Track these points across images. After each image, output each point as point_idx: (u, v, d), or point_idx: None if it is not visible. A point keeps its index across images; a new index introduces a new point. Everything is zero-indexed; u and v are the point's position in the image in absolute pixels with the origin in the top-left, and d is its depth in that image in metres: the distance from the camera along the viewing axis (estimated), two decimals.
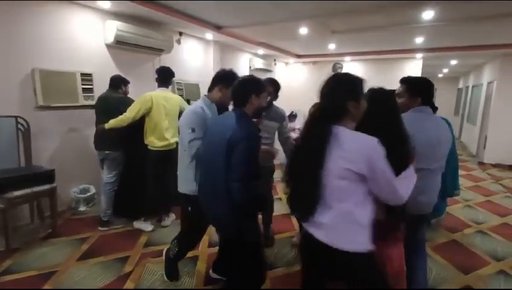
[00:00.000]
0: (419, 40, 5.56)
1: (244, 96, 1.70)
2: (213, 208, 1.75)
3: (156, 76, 3.07)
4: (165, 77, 3.08)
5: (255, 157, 1.65)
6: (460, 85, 12.03)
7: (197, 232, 2.21)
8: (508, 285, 2.42)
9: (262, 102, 1.77)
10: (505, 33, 4.86)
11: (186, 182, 2.05)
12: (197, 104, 2.04)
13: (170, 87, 3.20)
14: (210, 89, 2.08)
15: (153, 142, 2.96)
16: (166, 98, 3.00)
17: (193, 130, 1.92)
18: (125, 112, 2.87)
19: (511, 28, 4.52)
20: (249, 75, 1.82)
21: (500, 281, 2.46)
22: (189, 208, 2.07)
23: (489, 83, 7.26)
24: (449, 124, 2.75)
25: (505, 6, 3.53)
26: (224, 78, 2.01)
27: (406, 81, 1.96)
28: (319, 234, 1.28)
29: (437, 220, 3.33)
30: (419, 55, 7.07)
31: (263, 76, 4.78)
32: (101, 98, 3.12)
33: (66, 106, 3.42)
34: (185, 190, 2.07)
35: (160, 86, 3.06)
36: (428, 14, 3.89)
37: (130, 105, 2.92)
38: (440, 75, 12.27)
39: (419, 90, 1.89)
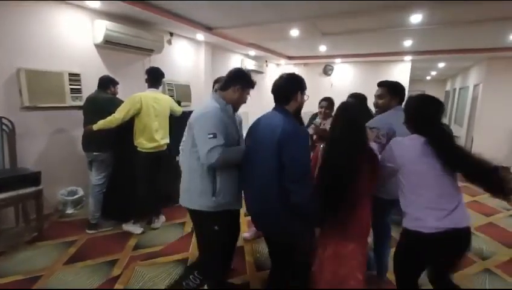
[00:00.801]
0: (407, 43, 5.67)
1: (290, 93, 1.66)
2: (268, 215, 1.63)
3: (146, 77, 3.05)
4: (155, 77, 3.05)
5: (309, 155, 1.64)
6: (448, 87, 12.30)
7: (228, 253, 2.02)
8: (493, 283, 2.48)
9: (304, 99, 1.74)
10: (490, 37, 4.99)
11: (201, 196, 1.76)
12: (212, 105, 1.78)
13: (160, 88, 3.17)
14: (223, 88, 1.83)
15: (143, 143, 2.92)
16: (156, 98, 2.97)
17: (214, 136, 1.64)
18: (113, 112, 2.83)
19: (496, 33, 4.65)
20: (292, 73, 1.74)
21: (485, 280, 2.52)
22: (216, 227, 1.80)
23: (475, 86, 7.44)
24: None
25: (490, 11, 3.63)
26: (244, 79, 1.83)
27: (385, 84, 2.30)
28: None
29: None
30: (408, 58, 7.20)
31: (254, 77, 4.78)
32: (90, 99, 3.07)
33: (53, 106, 3.36)
34: (201, 206, 1.78)
35: (150, 86, 3.03)
36: (416, 18, 3.97)
37: (118, 106, 2.87)
38: (428, 78, 12.52)
39: (398, 91, 2.25)
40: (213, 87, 2.52)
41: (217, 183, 1.74)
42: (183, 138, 2.14)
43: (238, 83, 1.81)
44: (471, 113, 7.57)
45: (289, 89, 1.67)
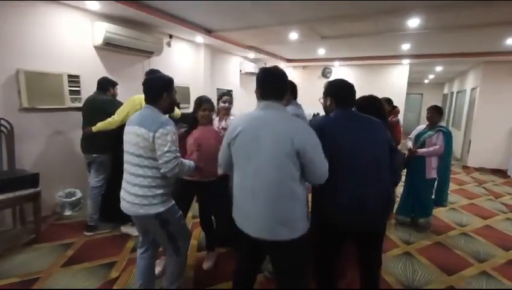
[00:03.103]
0: (405, 46, 5.72)
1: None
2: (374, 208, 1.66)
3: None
4: None
5: None
6: (446, 91, 12.38)
7: None
8: (490, 285, 2.48)
9: None
10: (487, 42, 5.04)
11: (303, 220, 1.50)
12: (305, 113, 2.04)
13: None
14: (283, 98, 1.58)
15: None
16: None
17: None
18: (113, 114, 2.83)
19: (492, 37, 4.70)
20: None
21: (482, 282, 2.53)
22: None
23: (472, 89, 7.50)
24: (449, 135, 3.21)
25: (486, 16, 3.68)
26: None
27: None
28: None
29: (425, 220, 3.44)
30: (406, 61, 7.26)
31: (253, 80, 4.79)
32: (89, 100, 3.07)
33: (51, 108, 3.35)
34: (303, 231, 1.51)
35: None
36: (413, 22, 4.00)
37: (118, 107, 2.87)
38: (426, 81, 12.61)
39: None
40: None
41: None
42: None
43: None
44: (468, 116, 7.62)
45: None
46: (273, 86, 1.55)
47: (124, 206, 1.78)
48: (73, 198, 3.54)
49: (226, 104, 2.61)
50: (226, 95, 2.64)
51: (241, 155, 1.49)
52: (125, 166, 1.78)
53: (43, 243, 2.86)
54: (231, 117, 2.60)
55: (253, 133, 1.44)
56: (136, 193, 1.70)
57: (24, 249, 2.75)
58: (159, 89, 1.79)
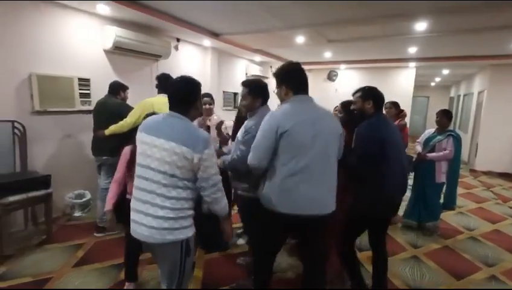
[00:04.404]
0: (412, 49, 5.71)
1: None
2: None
3: (156, 82, 3.08)
4: (166, 83, 3.10)
5: None
6: (452, 94, 12.29)
7: None
8: None
9: None
10: (494, 45, 5.02)
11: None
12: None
13: None
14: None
15: None
16: (167, 103, 3.00)
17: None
18: (123, 117, 2.88)
19: (499, 40, 4.68)
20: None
21: (491, 286, 2.51)
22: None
23: (480, 92, 7.45)
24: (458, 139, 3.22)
25: (494, 19, 3.67)
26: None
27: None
28: None
29: (433, 224, 3.43)
30: (412, 64, 7.24)
31: None
32: (100, 103, 3.13)
33: (62, 110, 3.42)
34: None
35: (160, 92, 3.07)
36: (421, 26, 4.01)
37: (128, 110, 2.92)
38: (432, 84, 12.54)
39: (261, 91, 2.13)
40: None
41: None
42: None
43: None
44: (475, 119, 7.57)
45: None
46: (304, 80, 1.74)
47: (144, 232, 1.42)
48: (83, 199, 3.59)
49: (211, 106, 2.87)
50: (206, 97, 2.82)
51: (296, 145, 1.61)
52: (145, 184, 1.43)
53: (54, 243, 2.91)
54: (214, 116, 2.84)
55: (308, 125, 1.62)
56: (165, 216, 1.40)
57: (36, 249, 2.80)
58: (191, 95, 1.54)
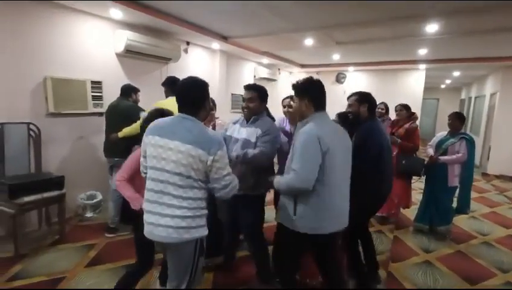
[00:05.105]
0: (422, 51, 5.65)
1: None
2: None
3: (164, 88, 3.09)
4: (174, 86, 3.13)
5: None
6: (463, 96, 12.09)
7: None
8: None
9: None
10: (506, 46, 4.93)
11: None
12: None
13: None
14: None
15: None
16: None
17: None
18: (134, 119, 2.92)
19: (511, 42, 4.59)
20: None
21: None
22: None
23: (492, 94, 7.31)
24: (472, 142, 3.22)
25: (506, 20, 3.61)
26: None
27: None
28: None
29: (446, 228, 3.38)
30: (422, 66, 7.15)
31: (267, 85, 4.86)
32: (112, 106, 3.18)
33: (75, 113, 3.49)
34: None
35: (168, 95, 3.10)
36: (432, 28, 3.97)
37: (139, 112, 2.96)
38: (443, 86, 12.36)
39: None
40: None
41: None
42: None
43: None
44: (488, 122, 7.43)
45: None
46: (325, 98, 1.81)
47: (161, 233, 1.43)
48: (95, 200, 3.64)
49: (212, 111, 2.79)
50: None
51: (334, 163, 1.66)
52: (161, 186, 1.44)
53: (67, 243, 2.96)
54: (218, 121, 2.81)
55: (338, 142, 1.71)
56: (183, 215, 1.42)
57: (49, 249, 2.85)
58: (201, 96, 1.53)
